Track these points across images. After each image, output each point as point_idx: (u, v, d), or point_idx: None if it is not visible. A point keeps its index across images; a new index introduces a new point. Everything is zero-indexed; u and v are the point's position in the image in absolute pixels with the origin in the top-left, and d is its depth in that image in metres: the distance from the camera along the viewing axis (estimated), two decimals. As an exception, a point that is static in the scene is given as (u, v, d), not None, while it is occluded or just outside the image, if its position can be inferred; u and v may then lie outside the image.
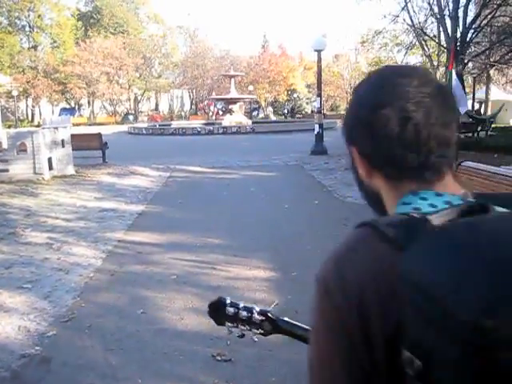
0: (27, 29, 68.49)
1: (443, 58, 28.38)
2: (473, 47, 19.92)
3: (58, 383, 3.68)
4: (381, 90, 0.92)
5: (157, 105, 78.46)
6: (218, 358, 3.90)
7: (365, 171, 0.97)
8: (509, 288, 0.64)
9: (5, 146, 13.85)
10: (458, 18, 14.70)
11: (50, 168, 14.10)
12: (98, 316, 4.77)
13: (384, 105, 0.89)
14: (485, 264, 0.67)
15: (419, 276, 0.70)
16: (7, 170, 13.61)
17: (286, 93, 68.64)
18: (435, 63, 33.04)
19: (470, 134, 22.85)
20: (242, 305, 1.71)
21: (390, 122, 0.88)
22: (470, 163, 7.40)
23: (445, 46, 17.80)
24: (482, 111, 35.28)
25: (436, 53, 32.52)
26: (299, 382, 3.58)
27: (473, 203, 0.84)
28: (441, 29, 20.55)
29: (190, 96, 76.15)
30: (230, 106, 37.95)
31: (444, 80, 14.55)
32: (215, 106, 52.13)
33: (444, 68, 23.06)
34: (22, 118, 63.95)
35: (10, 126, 45.86)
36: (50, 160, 14.10)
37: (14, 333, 4.46)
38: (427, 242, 0.74)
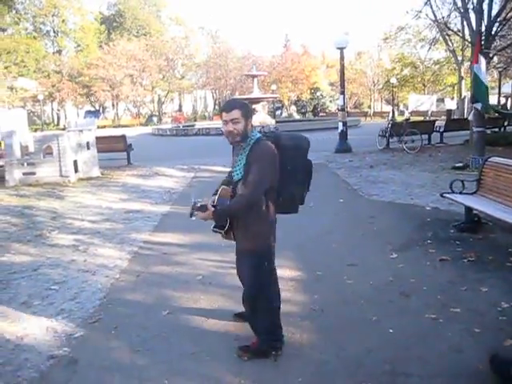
0: (52, 34, 69.44)
1: (467, 52, 27.99)
2: (498, 41, 19.56)
3: (85, 384, 3.70)
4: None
5: (180, 106, 78.83)
6: (245, 358, 3.88)
7: (249, 127, 3.74)
8: (287, 143, 3.85)
9: (31, 149, 14.05)
10: (482, 11, 14.42)
11: (76, 170, 14.24)
12: (125, 317, 4.79)
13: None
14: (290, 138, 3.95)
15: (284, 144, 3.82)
16: (34, 173, 13.79)
17: (309, 91, 68.42)
18: (459, 58, 32.65)
19: (497, 129, 22.52)
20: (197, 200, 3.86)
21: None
22: (497, 159, 7.27)
23: (469, 40, 17.50)
24: (509, 105, 34.71)
25: (460, 48, 32.12)
26: (325, 381, 3.55)
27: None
28: (465, 23, 20.24)
29: (213, 96, 76.44)
30: (253, 106, 37.73)
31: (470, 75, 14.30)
32: (238, 105, 52.15)
33: (469, 63, 22.75)
34: (47, 121, 64.92)
35: (36, 130, 46.55)
36: (75, 162, 14.24)
37: (42, 334, 4.50)
38: (278, 137, 3.90)
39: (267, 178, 3.68)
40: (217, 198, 3.90)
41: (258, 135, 3.80)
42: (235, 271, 5.10)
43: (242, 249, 3.96)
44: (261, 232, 3.87)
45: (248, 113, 3.81)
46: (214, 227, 3.98)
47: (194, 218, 3.88)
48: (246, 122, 3.74)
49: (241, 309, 4.29)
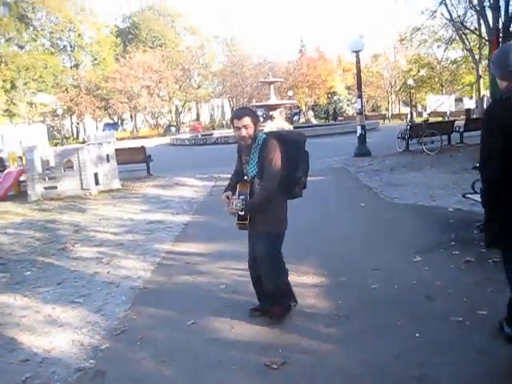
0: (68, 48, 70.52)
1: (485, 50, 27.80)
2: (516, 38, 19.41)
3: (113, 396, 3.71)
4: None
5: (198, 115, 79.25)
6: (273, 366, 3.86)
7: (255, 131, 4.36)
8: (285, 139, 4.51)
9: (52, 163, 14.19)
10: (499, 8, 14.32)
11: (97, 183, 14.36)
12: (149, 328, 4.80)
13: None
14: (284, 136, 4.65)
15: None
16: (56, 187, 13.93)
17: (326, 96, 68.30)
18: (477, 57, 32.40)
19: None
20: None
21: None
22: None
23: (486, 38, 17.36)
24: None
25: (477, 46, 31.89)
26: (354, 388, 3.52)
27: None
28: (481, 21, 20.12)
29: (230, 105, 76.56)
30: (271, 113, 37.77)
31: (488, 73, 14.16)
32: (255, 113, 52.25)
33: (486, 61, 22.53)
34: (67, 135, 65.68)
35: (56, 144, 47.03)
36: (96, 175, 14.36)
37: (69, 347, 4.52)
38: (281, 135, 4.71)
39: (279, 170, 4.33)
40: (237, 193, 4.49)
41: (264, 135, 4.47)
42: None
43: (263, 232, 4.48)
44: (280, 217, 4.55)
45: (256, 118, 4.48)
46: (238, 220, 4.47)
47: (242, 213, 4.38)
48: (255, 127, 4.40)
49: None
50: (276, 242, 4.56)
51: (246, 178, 4.57)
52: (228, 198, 4.53)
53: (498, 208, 3.52)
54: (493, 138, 3.45)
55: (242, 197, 4.41)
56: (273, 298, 4.71)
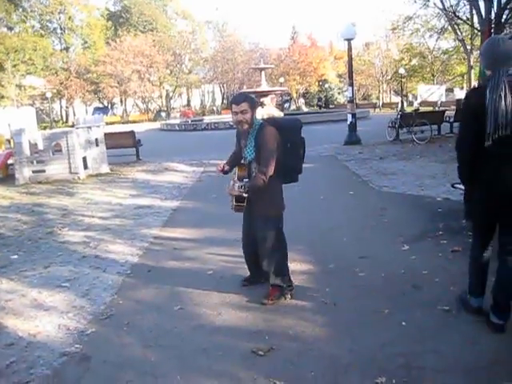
0: (58, 31, 69.72)
1: (477, 41, 27.78)
2: (508, 28, 19.38)
3: (98, 381, 3.69)
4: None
5: (188, 101, 78.82)
6: (260, 352, 3.86)
7: (254, 116, 4.57)
8: (281, 125, 4.67)
9: (40, 147, 14.06)
10: (492, -2, 14.33)
11: (85, 167, 14.27)
12: (136, 313, 4.78)
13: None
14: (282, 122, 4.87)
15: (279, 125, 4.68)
16: (44, 171, 13.82)
17: (317, 84, 68.15)
18: (468, 47, 32.39)
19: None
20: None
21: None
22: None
23: (478, 28, 17.31)
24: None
25: (469, 36, 31.87)
26: (338, 376, 3.52)
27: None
28: (474, 11, 20.07)
29: (221, 90, 76.36)
30: (262, 99, 37.46)
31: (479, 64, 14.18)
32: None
33: (478, 52, 22.51)
34: (56, 118, 65.14)
35: (45, 128, 46.65)
36: (84, 159, 14.27)
37: (54, 331, 4.50)
38: (277, 121, 4.81)
39: (275, 155, 4.50)
40: (236, 177, 4.73)
41: (261, 121, 4.65)
42: (245, 265, 5.12)
43: (262, 215, 4.71)
44: (277, 200, 4.81)
45: (254, 104, 4.62)
46: (237, 202, 4.65)
47: (246, 195, 4.56)
48: (253, 112, 4.58)
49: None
50: (275, 224, 4.77)
51: (243, 161, 4.84)
52: (223, 167, 5.00)
53: (472, 183, 3.93)
54: (467, 124, 3.82)
55: (245, 180, 4.65)
56: (270, 279, 4.86)
